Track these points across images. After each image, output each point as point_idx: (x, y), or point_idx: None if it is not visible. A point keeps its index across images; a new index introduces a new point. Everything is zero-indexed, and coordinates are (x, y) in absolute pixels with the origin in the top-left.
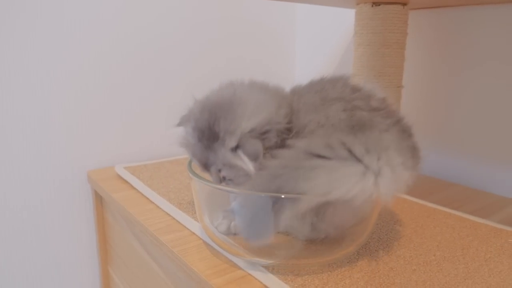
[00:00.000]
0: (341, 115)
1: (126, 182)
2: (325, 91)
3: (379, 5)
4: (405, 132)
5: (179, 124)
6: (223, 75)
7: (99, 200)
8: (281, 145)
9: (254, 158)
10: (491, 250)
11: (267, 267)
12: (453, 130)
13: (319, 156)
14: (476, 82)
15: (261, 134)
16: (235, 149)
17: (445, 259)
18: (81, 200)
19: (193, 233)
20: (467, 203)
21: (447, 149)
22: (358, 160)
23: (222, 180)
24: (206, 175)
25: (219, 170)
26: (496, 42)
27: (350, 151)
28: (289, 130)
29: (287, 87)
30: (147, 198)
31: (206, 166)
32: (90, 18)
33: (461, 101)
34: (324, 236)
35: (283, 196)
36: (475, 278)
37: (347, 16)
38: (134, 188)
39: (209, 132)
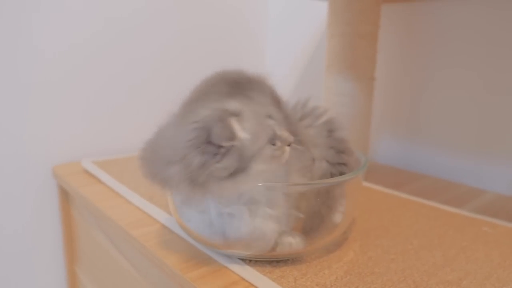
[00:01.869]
0: None
1: (94, 177)
2: None
3: None
4: None
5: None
6: (193, 64)
7: (65, 197)
8: None
9: None
10: (467, 238)
11: (243, 259)
12: (423, 122)
13: None
14: (446, 74)
15: None
16: None
17: (422, 247)
18: (45, 197)
19: (166, 227)
20: (439, 194)
21: (418, 141)
22: None
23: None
24: None
25: None
26: (466, 36)
27: None
28: None
29: None
30: (116, 193)
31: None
32: (58, 7)
33: (431, 93)
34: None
35: None
36: (453, 265)
37: (320, 7)
38: (103, 183)
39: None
